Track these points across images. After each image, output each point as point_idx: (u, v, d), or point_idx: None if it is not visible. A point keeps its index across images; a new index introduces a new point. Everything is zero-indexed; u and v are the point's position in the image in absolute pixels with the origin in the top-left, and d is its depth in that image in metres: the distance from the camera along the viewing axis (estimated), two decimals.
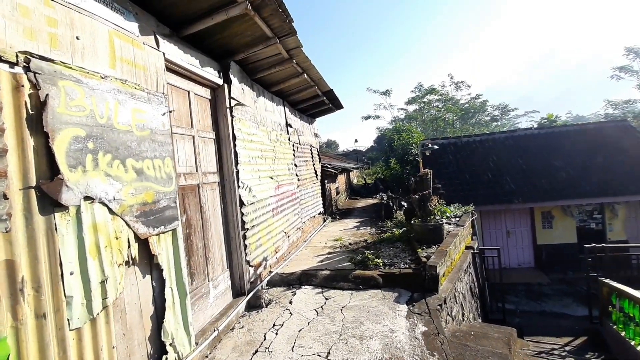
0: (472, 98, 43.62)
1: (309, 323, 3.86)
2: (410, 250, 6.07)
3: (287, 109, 7.25)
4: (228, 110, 4.32)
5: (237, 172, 4.41)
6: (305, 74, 6.08)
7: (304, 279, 5.16)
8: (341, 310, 4.17)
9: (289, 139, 7.06)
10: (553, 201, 10.27)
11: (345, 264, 5.57)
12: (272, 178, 5.70)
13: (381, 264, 5.32)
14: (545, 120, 29.18)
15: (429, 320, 3.89)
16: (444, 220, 6.20)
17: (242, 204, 4.43)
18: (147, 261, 2.81)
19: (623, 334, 5.37)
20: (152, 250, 2.77)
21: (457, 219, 8.22)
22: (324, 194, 10.40)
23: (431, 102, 40.84)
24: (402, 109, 44.32)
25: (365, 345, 3.33)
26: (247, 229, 4.54)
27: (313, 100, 8.15)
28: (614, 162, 10.81)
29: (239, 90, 4.69)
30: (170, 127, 3.21)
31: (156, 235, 2.84)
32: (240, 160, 4.51)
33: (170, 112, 3.14)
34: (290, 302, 4.46)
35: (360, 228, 8.72)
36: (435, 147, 8.71)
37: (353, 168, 19.86)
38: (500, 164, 11.85)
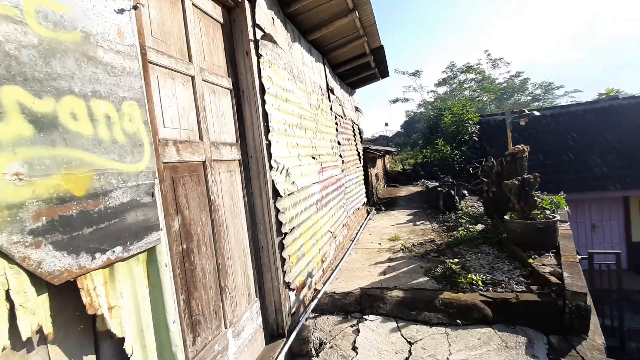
0: (512, 76, 39.95)
1: None
2: (510, 259, 4.28)
3: (327, 70, 5.53)
4: (252, 44, 2.67)
5: (269, 145, 2.79)
6: (356, 12, 4.31)
7: (367, 303, 3.53)
8: None
9: (331, 108, 5.36)
10: None
11: (420, 279, 3.88)
12: (314, 158, 4.06)
13: (479, 282, 3.58)
14: (603, 96, 25.76)
15: None
16: (557, 217, 4.34)
17: (276, 194, 2.83)
18: (85, 326, 1.26)
19: None
20: (89, 303, 1.21)
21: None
22: (367, 180, 8.69)
23: (464, 83, 37.72)
24: (431, 91, 41.45)
25: None
26: (286, 234, 2.94)
27: (357, 62, 6.38)
28: None
29: (268, 18, 3.03)
30: (141, 47, 1.61)
31: (101, 268, 1.27)
32: (273, 126, 2.87)
33: (134, 8, 1.52)
34: (354, 348, 2.85)
35: (417, 223, 6.96)
36: (536, 113, 6.61)
37: (391, 152, 17.90)
38: (582, 142, 9.59)
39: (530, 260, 3.86)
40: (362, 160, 7.88)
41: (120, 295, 1.37)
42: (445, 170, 12.01)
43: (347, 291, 3.71)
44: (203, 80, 2.21)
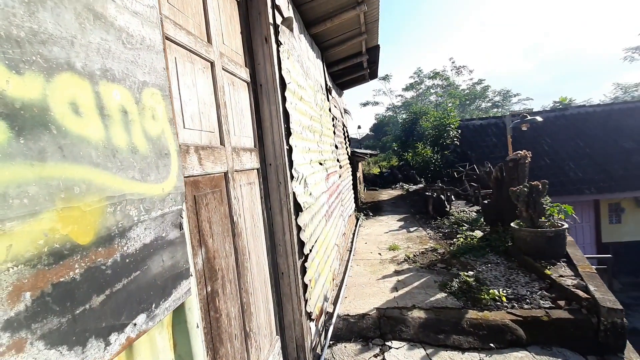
0: (474, 83, 41.90)
1: None
2: (523, 269, 4.14)
3: (325, 68, 5.14)
4: (271, 29, 2.21)
5: (290, 151, 2.34)
6: (365, 5, 3.97)
7: (387, 327, 3.17)
8: None
9: (329, 109, 4.98)
10: (632, 191, 8.47)
11: (438, 296, 3.60)
12: (321, 164, 3.65)
13: (503, 298, 3.36)
14: (558, 104, 27.67)
15: None
16: (565, 224, 4.27)
17: (297, 209, 2.38)
18: None
19: None
20: None
21: None
22: (355, 185, 8.39)
23: (431, 88, 39.20)
24: (399, 95, 42.49)
25: None
26: (307, 255, 2.50)
27: (351, 61, 6.05)
28: None
29: (284, 0, 2.58)
30: (160, 16, 1.12)
31: (117, 354, 0.79)
32: (293, 128, 2.43)
33: None
34: None
35: (411, 229, 6.75)
36: (538, 118, 6.60)
37: (375, 154, 17.82)
38: (556, 147, 9.99)
39: (547, 272, 3.72)
40: (351, 164, 7.57)
41: None
42: (425, 174, 12.04)
43: (362, 313, 3.33)
44: (223, 68, 1.72)
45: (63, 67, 0.69)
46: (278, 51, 2.30)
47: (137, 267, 0.86)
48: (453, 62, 44.85)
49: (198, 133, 1.44)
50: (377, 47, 5.99)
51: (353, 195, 7.63)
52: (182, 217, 1.09)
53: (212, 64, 1.62)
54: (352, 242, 5.92)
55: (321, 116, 3.99)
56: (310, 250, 2.63)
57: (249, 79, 2.10)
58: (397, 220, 7.79)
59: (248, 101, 2.09)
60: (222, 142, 1.65)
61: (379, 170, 18.43)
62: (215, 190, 1.55)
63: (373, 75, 7.78)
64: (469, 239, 5.34)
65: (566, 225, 4.24)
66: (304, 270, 2.43)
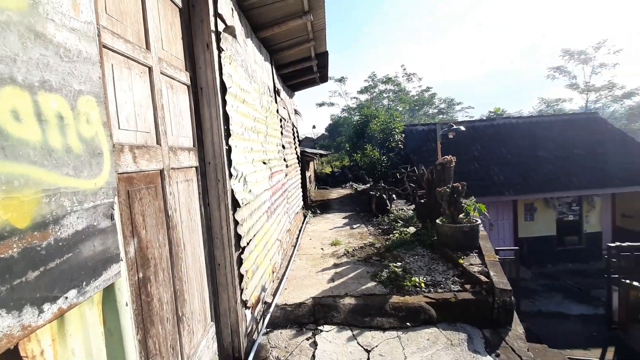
0: (423, 90, 44.48)
1: None
2: (443, 260, 4.71)
3: (274, 70, 5.32)
4: (213, 36, 2.37)
5: (229, 151, 2.51)
6: (310, 15, 4.23)
7: (320, 313, 3.47)
8: None
9: (277, 111, 5.17)
10: (543, 193, 9.83)
11: (368, 285, 3.99)
12: (265, 163, 3.84)
13: (422, 284, 3.84)
14: (492, 114, 30.40)
15: None
16: (479, 220, 4.94)
17: (235, 205, 2.57)
18: None
19: None
20: None
21: None
22: (304, 184, 8.66)
23: (384, 92, 40.91)
24: (354, 97, 43.70)
25: None
26: (244, 248, 2.69)
27: (301, 65, 6.29)
28: (595, 154, 10.72)
29: (228, 8, 2.74)
30: (97, 25, 1.25)
31: (49, 323, 0.94)
32: (233, 130, 2.61)
33: None
34: None
35: (354, 226, 7.20)
36: (462, 128, 7.42)
37: (324, 155, 18.26)
38: (485, 153, 11.19)
39: (461, 261, 4.29)
40: (299, 163, 7.83)
41: (72, 353, 1.03)
42: (373, 174, 12.71)
43: (299, 302, 3.60)
44: (161, 72, 1.86)
45: (6, 81, 0.83)
46: (219, 57, 2.46)
47: (70, 249, 1.01)
48: (404, 69, 47.07)
49: (133, 133, 1.57)
50: (326, 53, 6.30)
51: (301, 194, 7.90)
52: (114, 209, 1.24)
53: (150, 69, 1.76)
54: (297, 238, 6.18)
55: (267, 117, 4.17)
56: (248, 244, 2.82)
57: (189, 82, 2.24)
58: (343, 218, 8.22)
59: (188, 103, 2.23)
60: (158, 142, 1.79)
61: (330, 169, 18.97)
62: (150, 186, 1.69)
63: (323, 79, 8.11)
64: (403, 235, 5.88)
65: (479, 222, 4.91)
66: (240, 262, 2.62)
